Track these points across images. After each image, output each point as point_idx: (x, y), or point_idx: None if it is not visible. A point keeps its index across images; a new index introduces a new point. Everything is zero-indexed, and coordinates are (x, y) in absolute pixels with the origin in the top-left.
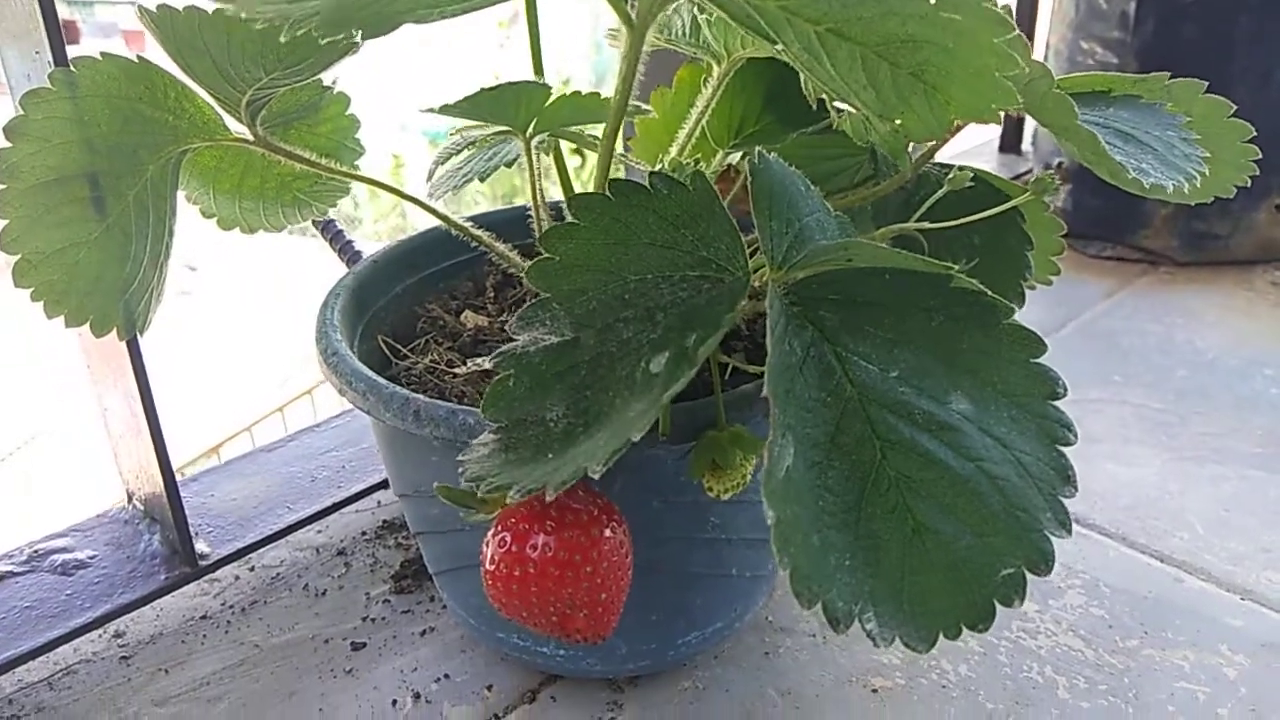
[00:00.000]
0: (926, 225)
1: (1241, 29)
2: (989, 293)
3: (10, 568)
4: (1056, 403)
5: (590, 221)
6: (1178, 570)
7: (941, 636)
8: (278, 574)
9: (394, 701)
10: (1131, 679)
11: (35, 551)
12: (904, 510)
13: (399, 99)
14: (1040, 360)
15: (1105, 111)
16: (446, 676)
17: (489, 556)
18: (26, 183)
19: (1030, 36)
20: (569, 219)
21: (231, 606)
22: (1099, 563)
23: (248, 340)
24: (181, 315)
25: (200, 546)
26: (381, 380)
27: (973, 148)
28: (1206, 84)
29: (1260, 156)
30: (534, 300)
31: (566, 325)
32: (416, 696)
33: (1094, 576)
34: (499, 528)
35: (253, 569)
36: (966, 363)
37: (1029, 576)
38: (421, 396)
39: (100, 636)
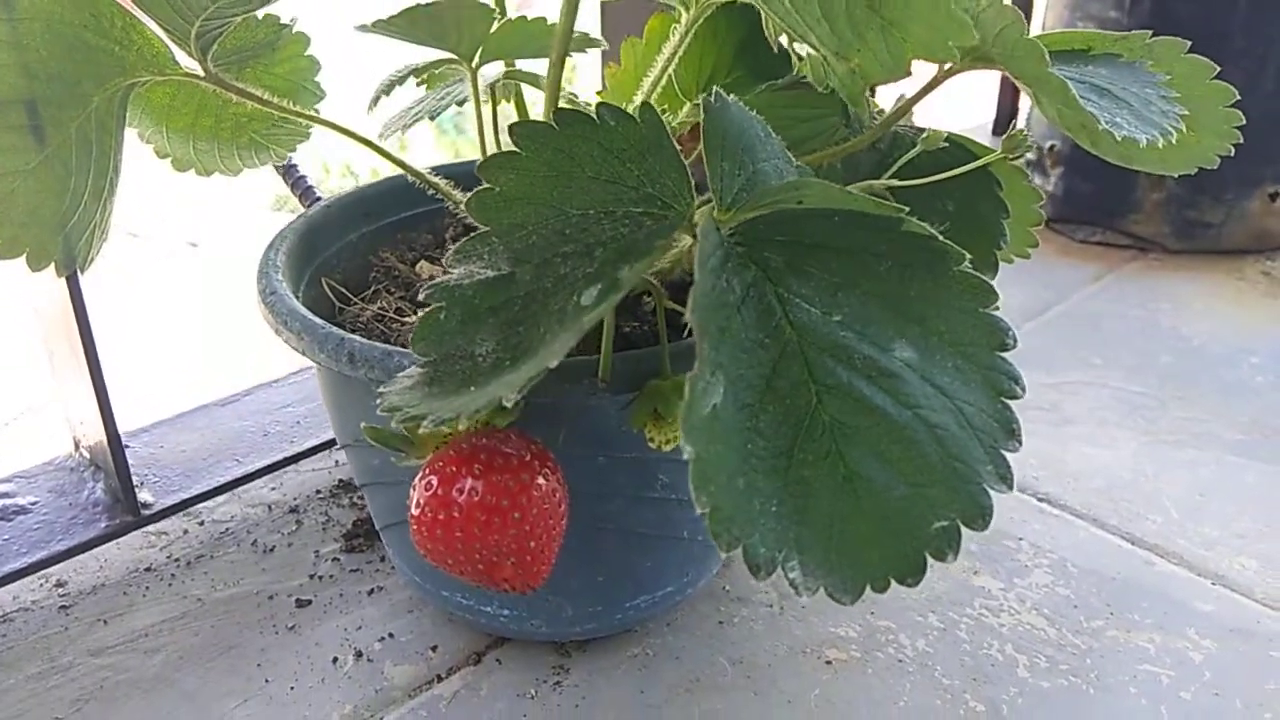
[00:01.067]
0: (894, 182)
1: (1239, 12)
2: (940, 238)
3: None
4: (1005, 354)
5: (532, 151)
6: (1149, 553)
7: (869, 589)
8: (227, 529)
9: (335, 659)
10: (1094, 659)
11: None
12: (836, 457)
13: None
14: (990, 310)
15: (1083, 68)
16: (391, 636)
17: (414, 500)
18: None
19: (1027, 14)
20: (510, 147)
21: (177, 560)
22: (1068, 543)
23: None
24: (188, 273)
25: (144, 496)
26: (318, 320)
27: (966, 129)
28: (1189, 44)
29: (1244, 123)
30: (474, 234)
31: (504, 260)
32: (359, 655)
33: (1062, 556)
34: (427, 471)
35: (202, 523)
36: (914, 310)
37: (969, 533)
38: (358, 338)
39: (41, 585)
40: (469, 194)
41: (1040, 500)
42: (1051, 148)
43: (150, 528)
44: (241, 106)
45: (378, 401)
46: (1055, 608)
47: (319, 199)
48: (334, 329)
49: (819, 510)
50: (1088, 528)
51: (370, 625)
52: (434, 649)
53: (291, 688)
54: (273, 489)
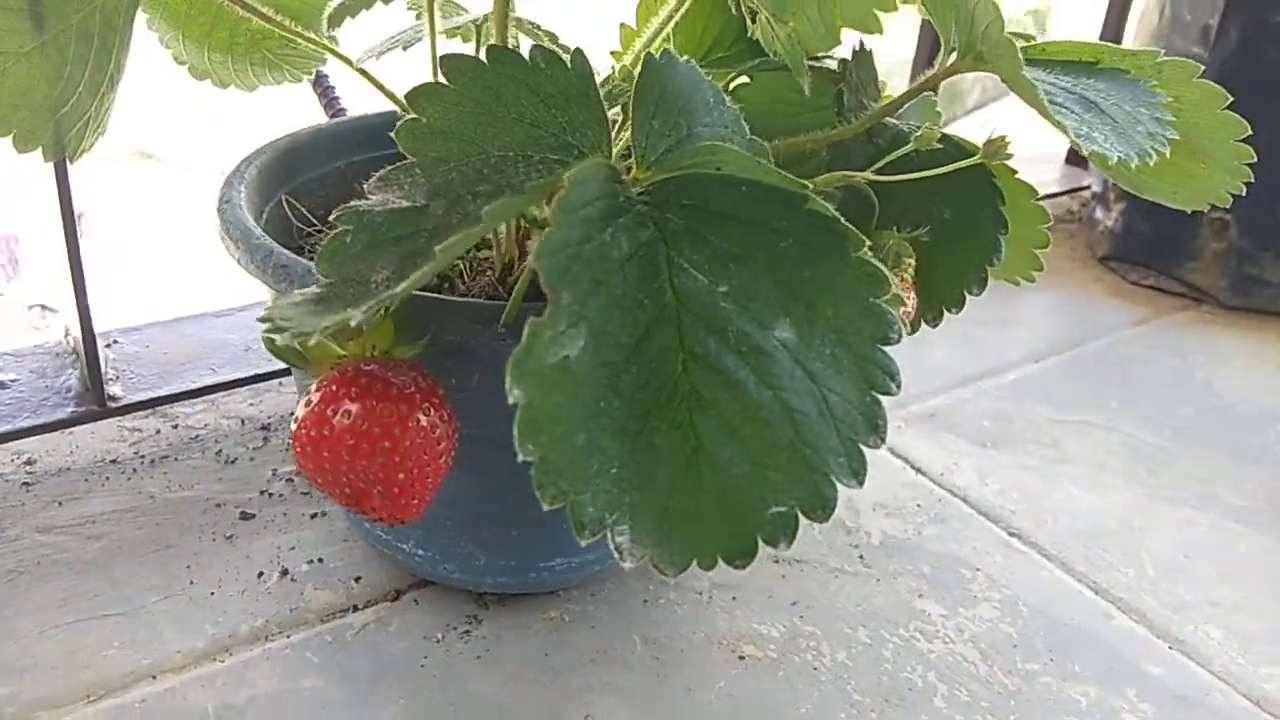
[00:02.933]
0: (869, 175)
1: None
2: (842, 221)
3: None
4: (886, 348)
5: (461, 86)
6: (1110, 606)
7: (696, 564)
8: (197, 435)
9: (261, 574)
10: (1018, 703)
11: None
12: (689, 427)
13: None
14: (880, 301)
15: (1081, 79)
16: (320, 560)
17: (295, 415)
18: None
19: (1117, 41)
20: (439, 79)
21: (143, 457)
22: (1027, 582)
23: None
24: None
25: (115, 390)
26: (256, 231)
27: (1037, 155)
28: (1201, 68)
29: (1255, 159)
30: (399, 163)
31: (421, 192)
32: (284, 573)
33: (1015, 594)
34: (312, 389)
35: (175, 426)
36: (804, 291)
37: (805, 521)
38: (287, 252)
39: (12, 461)
40: (399, 123)
41: (1010, 534)
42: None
43: (126, 423)
44: (256, 24)
45: (260, 315)
46: (993, 644)
47: (343, 112)
48: (268, 241)
49: (661, 478)
50: (1052, 570)
51: (303, 547)
52: (357, 579)
53: (212, 593)
54: (251, 404)
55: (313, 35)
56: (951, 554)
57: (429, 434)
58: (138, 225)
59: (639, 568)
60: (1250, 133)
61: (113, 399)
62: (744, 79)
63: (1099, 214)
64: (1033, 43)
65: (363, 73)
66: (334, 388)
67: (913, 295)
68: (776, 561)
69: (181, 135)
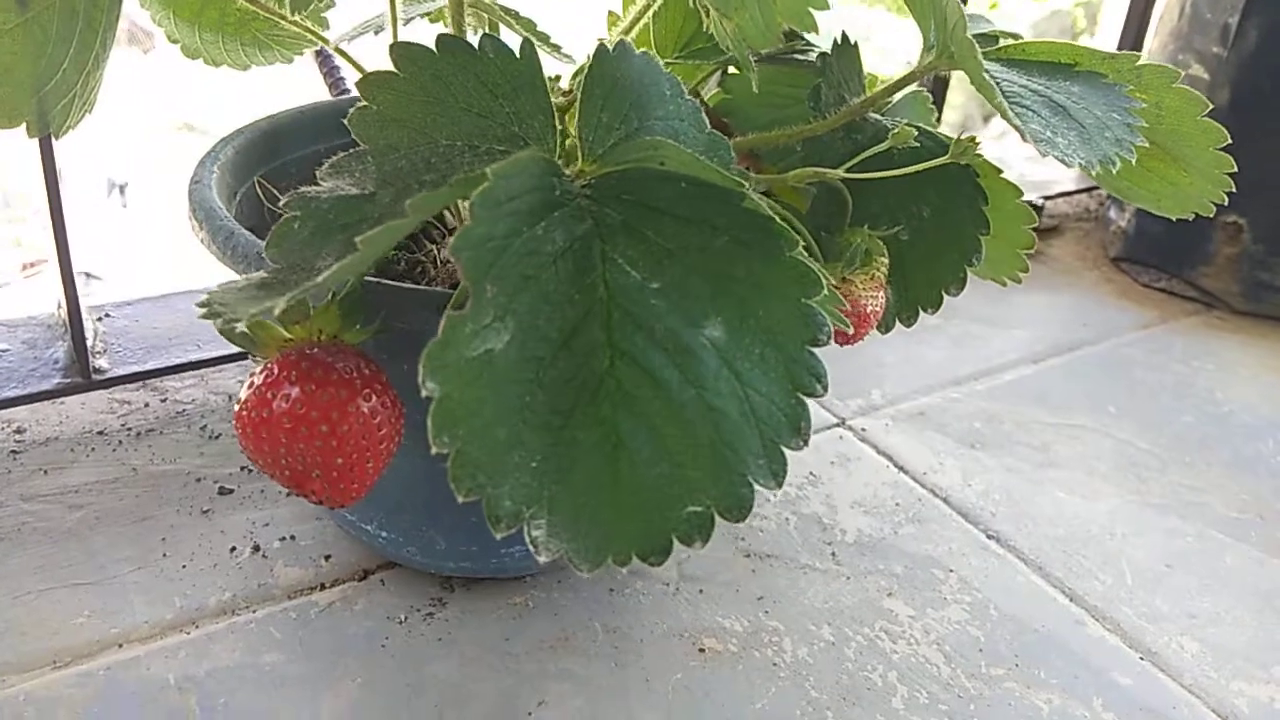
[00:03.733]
0: (838, 173)
1: None
2: (776, 220)
3: None
4: (815, 349)
5: (410, 74)
6: (1084, 613)
7: (610, 560)
8: (183, 410)
9: (233, 549)
10: (979, 706)
11: None
12: (611, 424)
13: None
14: (811, 301)
15: (1056, 82)
16: (292, 538)
17: (239, 396)
18: None
19: (1138, 44)
20: (389, 67)
21: (130, 429)
22: (999, 585)
23: None
24: None
25: (101, 362)
26: (221, 212)
27: None
28: (1180, 74)
29: (1235, 169)
30: (353, 150)
31: (371, 180)
32: (256, 549)
33: (987, 597)
34: (257, 371)
35: (164, 400)
36: (736, 289)
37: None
38: (248, 234)
39: (2, 429)
40: (352, 110)
41: (989, 537)
42: None
43: (116, 395)
44: (240, 3)
45: (202, 299)
46: (959, 646)
47: (347, 91)
48: (230, 223)
49: (581, 474)
50: (1028, 574)
51: (277, 524)
52: (327, 558)
53: (184, 565)
54: (239, 380)
55: (291, 16)
56: (926, 554)
57: (369, 420)
58: (179, 196)
59: None
60: (1229, 141)
61: (98, 371)
62: (732, 70)
63: (1113, 214)
64: (1014, 43)
65: (342, 54)
66: (276, 371)
67: (883, 294)
68: (748, 556)
69: (224, 108)
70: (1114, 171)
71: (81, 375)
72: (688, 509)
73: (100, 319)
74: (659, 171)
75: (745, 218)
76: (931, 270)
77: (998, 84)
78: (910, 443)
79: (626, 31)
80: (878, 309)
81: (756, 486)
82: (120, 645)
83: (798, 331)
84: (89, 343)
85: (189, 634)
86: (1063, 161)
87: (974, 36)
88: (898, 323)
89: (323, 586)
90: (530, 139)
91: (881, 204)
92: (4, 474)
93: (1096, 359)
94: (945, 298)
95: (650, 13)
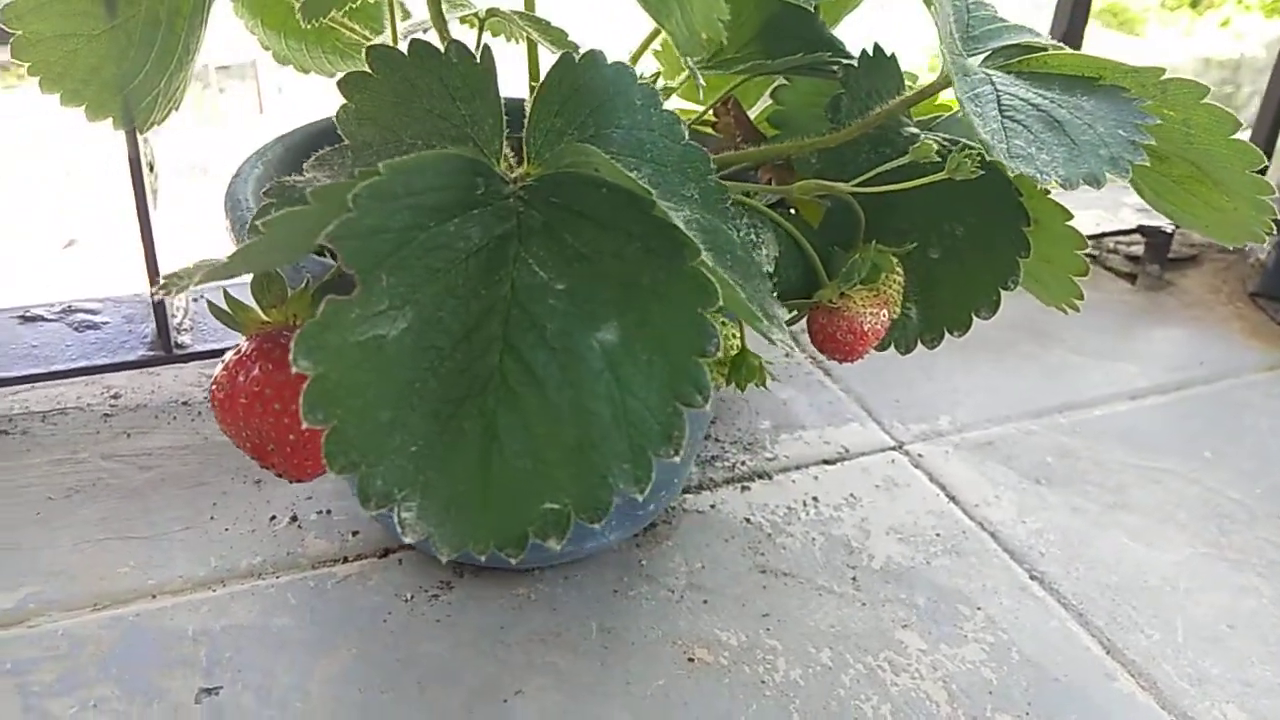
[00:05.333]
0: (846, 187)
1: None
2: (682, 230)
3: (45, 314)
4: (702, 360)
5: (383, 75)
6: (1119, 668)
7: (470, 548)
8: None
9: (273, 518)
10: None
11: (69, 308)
12: (492, 417)
13: None
14: (705, 313)
15: (1068, 96)
16: (328, 512)
17: (214, 375)
18: None
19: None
20: (366, 68)
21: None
22: (1029, 628)
23: None
24: None
25: (184, 339)
26: (246, 203)
27: None
28: (1209, 89)
29: (1275, 193)
30: (338, 145)
31: (345, 174)
32: (293, 520)
33: (1012, 639)
34: (232, 350)
35: None
36: (639, 296)
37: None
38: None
39: (101, 393)
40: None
41: (1032, 577)
42: None
43: (206, 370)
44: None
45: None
46: (966, 687)
47: None
48: (249, 213)
49: (459, 463)
50: (1064, 620)
51: (318, 499)
52: (355, 534)
53: (226, 529)
54: None
55: (354, 26)
56: (955, 589)
57: None
58: None
59: (624, 559)
60: (1265, 163)
61: (179, 347)
62: (782, 81)
63: (1251, 245)
64: (1039, 55)
65: None
66: (246, 350)
67: (886, 311)
68: (763, 572)
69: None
70: (1098, 188)
71: (164, 350)
72: (546, 506)
73: (196, 299)
74: (586, 176)
75: (656, 226)
76: (962, 291)
77: (984, 98)
78: (969, 473)
79: (648, 42)
80: (878, 326)
81: (619, 490)
82: (154, 596)
83: (689, 341)
84: (177, 320)
85: (215, 592)
86: (1035, 179)
87: (1007, 47)
88: (948, 339)
89: (345, 560)
90: (479, 141)
91: (910, 220)
92: (93, 434)
93: (1205, 399)
94: (974, 319)
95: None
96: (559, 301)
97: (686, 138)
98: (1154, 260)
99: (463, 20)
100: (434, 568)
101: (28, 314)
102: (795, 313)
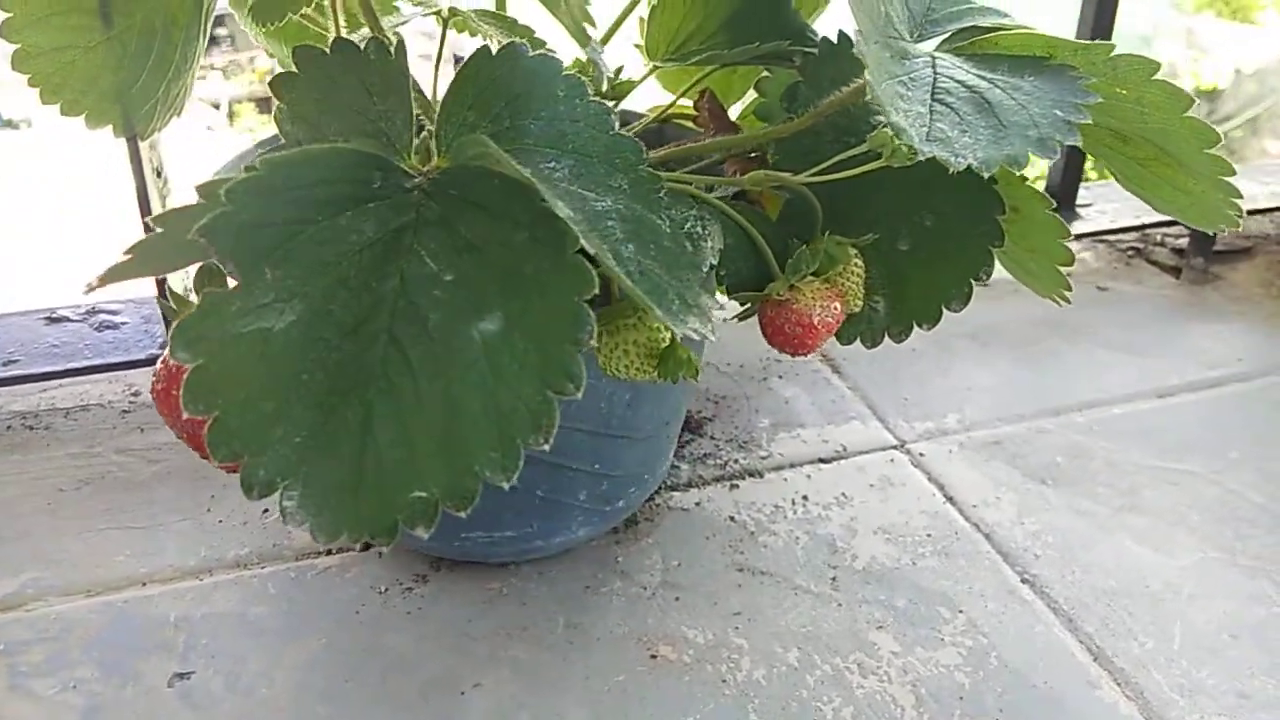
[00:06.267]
0: (791, 178)
1: None
2: (565, 222)
3: (70, 315)
4: (577, 349)
5: (308, 74)
6: (1105, 675)
7: (346, 537)
8: None
9: (265, 510)
10: None
11: (92, 309)
12: (369, 408)
13: None
14: (583, 300)
15: (1011, 76)
16: None
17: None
18: None
19: None
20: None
21: None
22: (1012, 633)
23: None
24: None
25: None
26: None
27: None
28: (1160, 64)
29: (1235, 174)
30: (276, 145)
31: None
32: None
33: (992, 643)
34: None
35: None
36: (522, 285)
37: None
38: None
39: (124, 391)
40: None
41: (1023, 580)
42: None
43: None
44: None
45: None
46: (935, 691)
47: None
48: None
49: (340, 453)
50: (1051, 626)
51: None
52: None
53: (220, 521)
54: None
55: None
56: (939, 591)
57: None
58: None
59: (601, 555)
60: (1221, 141)
61: None
62: (765, 72)
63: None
64: (989, 36)
65: None
66: None
67: (839, 304)
68: (740, 570)
69: None
70: (1018, 169)
71: None
72: (415, 494)
73: None
74: (481, 169)
75: (543, 216)
76: (932, 283)
77: (919, 81)
78: (970, 473)
79: (608, 36)
80: (829, 319)
81: (488, 479)
82: (144, 584)
83: (565, 331)
84: None
85: (201, 580)
86: (949, 163)
87: (966, 28)
88: (928, 330)
89: (329, 553)
90: (392, 135)
91: (879, 210)
92: (110, 429)
93: (1239, 398)
94: (944, 312)
95: (640, 15)
96: (444, 292)
97: (615, 128)
98: (1198, 253)
99: (437, 17)
100: (410, 562)
101: (54, 315)
102: (748, 305)
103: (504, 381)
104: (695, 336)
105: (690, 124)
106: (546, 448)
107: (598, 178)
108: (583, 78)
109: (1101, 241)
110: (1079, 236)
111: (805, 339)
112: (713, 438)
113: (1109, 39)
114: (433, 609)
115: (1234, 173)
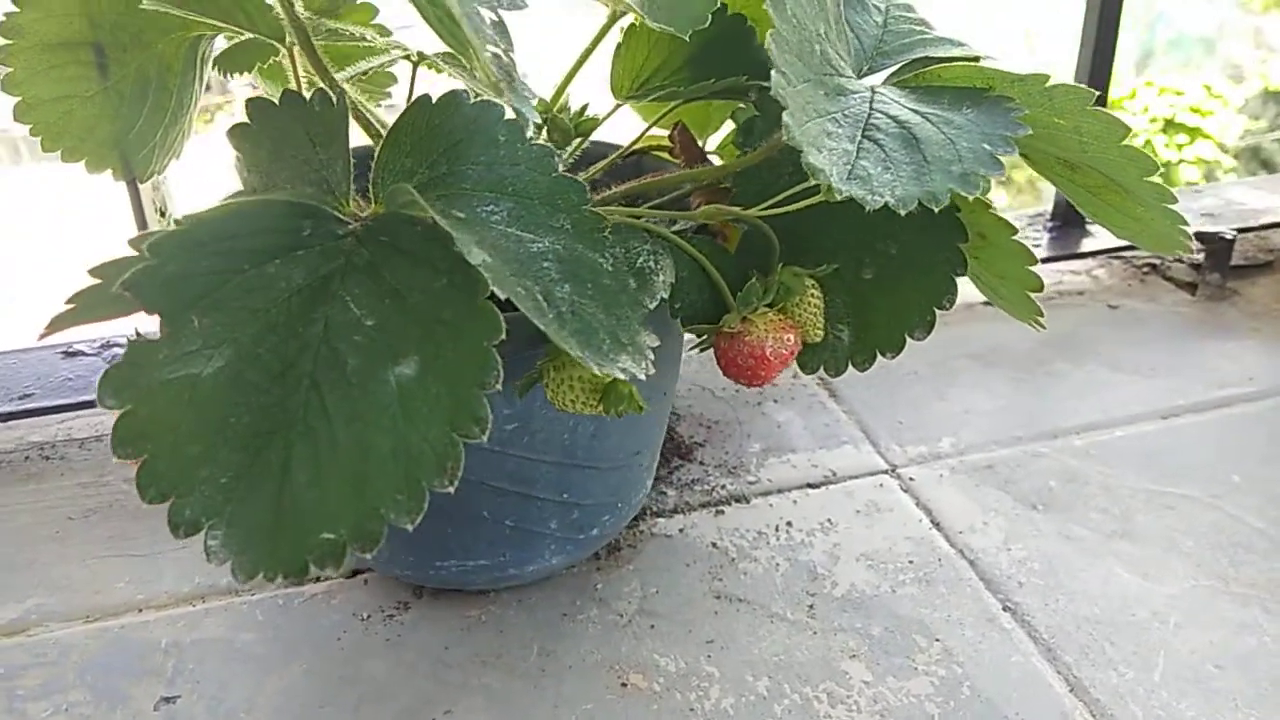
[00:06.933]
0: (742, 212)
1: None
2: (476, 268)
3: (85, 349)
4: (484, 391)
5: (260, 124)
6: (1080, 707)
7: (263, 576)
8: None
9: None
10: None
11: (107, 343)
12: (289, 450)
13: None
14: (491, 344)
15: (950, 110)
16: None
17: None
18: (31, 42)
19: None
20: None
21: None
22: (989, 663)
23: None
24: None
25: None
26: None
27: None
28: (1095, 94)
29: (1176, 200)
30: (238, 191)
31: None
32: None
33: (966, 673)
34: None
35: None
36: (438, 330)
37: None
38: None
39: None
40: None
41: (1005, 608)
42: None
43: None
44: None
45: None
46: None
47: None
48: None
49: (262, 494)
50: (1030, 655)
51: None
52: None
53: None
54: None
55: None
56: (917, 619)
57: None
58: None
59: (581, 582)
60: (1160, 169)
61: None
62: (741, 105)
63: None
64: (934, 69)
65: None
66: None
67: (793, 335)
68: (718, 597)
69: None
70: (935, 208)
71: None
72: (324, 535)
73: None
74: (410, 215)
75: (460, 261)
76: (895, 312)
77: (853, 118)
78: (960, 497)
79: (569, 79)
80: (783, 351)
81: (394, 520)
82: (140, 609)
83: (474, 373)
84: None
85: (195, 607)
86: (864, 201)
87: (917, 60)
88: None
89: (317, 580)
90: (333, 183)
91: (841, 240)
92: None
93: (1246, 420)
94: (906, 340)
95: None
96: (364, 337)
97: (558, 170)
98: (1214, 269)
99: (435, 70)
100: (394, 589)
101: (70, 349)
102: (704, 337)
103: (414, 425)
104: (622, 375)
105: (668, 155)
106: (450, 490)
107: (538, 219)
108: (522, 123)
109: (1117, 258)
110: (1092, 254)
111: (758, 370)
112: (702, 463)
113: (1111, 57)
114: (412, 636)
115: (1175, 200)
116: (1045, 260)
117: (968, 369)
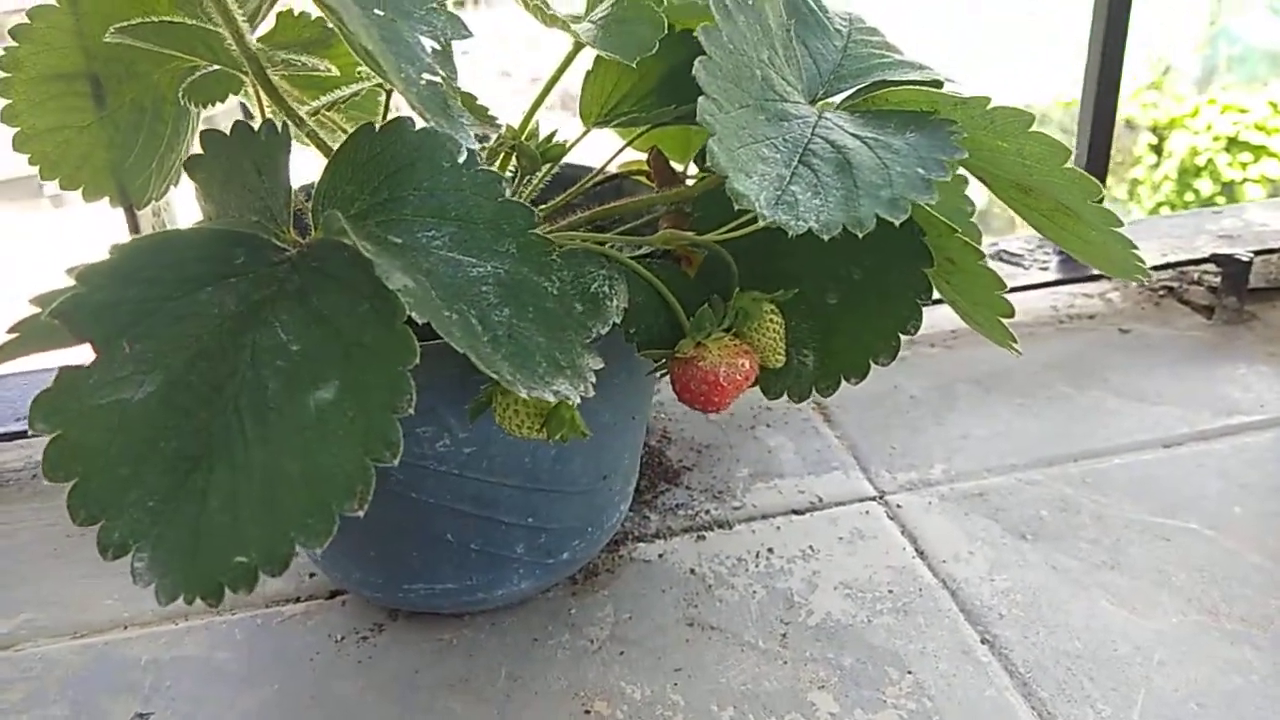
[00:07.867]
0: (697, 237)
1: None
2: (395, 294)
3: None
4: (396, 415)
5: (212, 156)
6: None
7: (182, 599)
8: None
9: None
10: None
11: None
12: (209, 474)
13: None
14: (405, 369)
15: (893, 135)
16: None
17: None
18: (29, 74)
19: None
20: (199, 150)
21: None
22: (961, 697)
23: None
24: None
25: None
26: None
27: None
28: (1035, 117)
29: (1122, 224)
30: (197, 221)
31: None
32: None
33: (937, 707)
34: None
35: None
36: (358, 354)
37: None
38: None
39: None
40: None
41: (983, 640)
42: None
43: None
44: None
45: None
46: None
47: None
48: None
49: (184, 517)
50: (1004, 690)
51: None
52: (312, 575)
53: None
54: None
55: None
56: (890, 650)
57: None
58: None
59: (555, 606)
60: (1102, 193)
61: None
62: None
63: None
64: (881, 92)
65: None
66: None
67: (747, 361)
68: (690, 625)
69: None
70: (859, 234)
71: None
72: (236, 559)
73: None
74: (340, 241)
75: (378, 287)
76: (860, 337)
77: (793, 142)
78: (947, 525)
79: (536, 106)
80: (737, 377)
81: (303, 544)
82: (125, 627)
83: (387, 398)
84: None
85: (176, 625)
86: (788, 226)
87: (874, 84)
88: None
89: (296, 600)
90: (274, 210)
91: (804, 265)
92: None
93: (1253, 448)
94: (871, 366)
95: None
96: (287, 362)
97: (505, 195)
98: (1231, 291)
99: (380, 88)
100: (369, 612)
101: None
102: (661, 361)
103: (327, 448)
104: (553, 399)
105: (646, 179)
106: (360, 514)
107: (482, 243)
108: (470, 149)
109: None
110: (1106, 277)
111: (711, 396)
112: (688, 488)
113: (1119, 74)
114: (384, 658)
115: (1121, 224)
116: (1057, 283)
117: (968, 393)
